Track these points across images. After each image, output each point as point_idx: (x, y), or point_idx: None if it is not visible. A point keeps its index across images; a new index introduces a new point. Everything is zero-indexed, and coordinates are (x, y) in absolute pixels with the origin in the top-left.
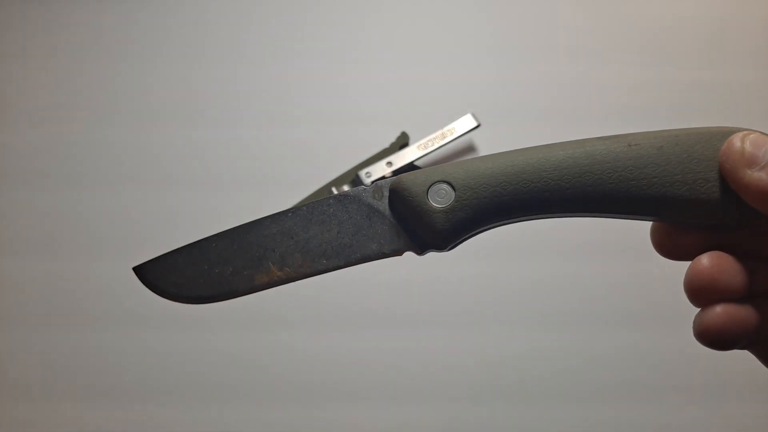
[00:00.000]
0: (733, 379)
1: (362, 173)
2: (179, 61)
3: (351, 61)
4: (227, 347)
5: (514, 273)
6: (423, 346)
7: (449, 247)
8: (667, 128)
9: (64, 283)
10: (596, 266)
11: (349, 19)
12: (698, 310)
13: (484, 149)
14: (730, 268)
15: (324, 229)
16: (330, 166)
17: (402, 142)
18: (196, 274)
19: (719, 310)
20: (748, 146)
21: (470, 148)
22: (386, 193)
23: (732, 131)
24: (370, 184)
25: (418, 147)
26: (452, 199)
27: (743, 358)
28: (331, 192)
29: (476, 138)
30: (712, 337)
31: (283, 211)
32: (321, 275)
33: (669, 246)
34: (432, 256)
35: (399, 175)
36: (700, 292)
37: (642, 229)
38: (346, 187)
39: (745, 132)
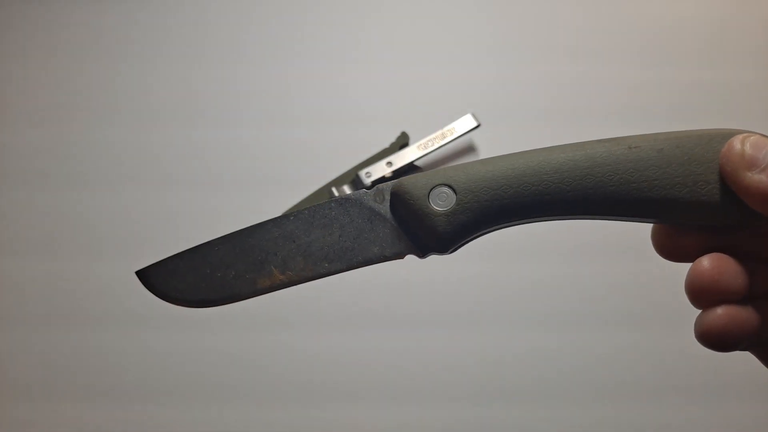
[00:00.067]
0: (733, 379)
1: (362, 173)
2: (179, 61)
3: (351, 61)
4: (227, 347)
5: (514, 273)
6: (423, 346)
7: (451, 250)
8: (667, 129)
9: (64, 283)
10: (596, 266)
11: (349, 19)
12: (699, 311)
13: (484, 149)
14: (730, 269)
15: (326, 233)
16: (330, 166)
17: (402, 142)
18: (198, 277)
19: (720, 312)
20: (748, 148)
21: (470, 148)
22: (388, 197)
23: (732, 133)
24: (370, 184)
25: (418, 147)
26: (453, 202)
27: (743, 359)
28: (331, 192)
29: (476, 138)
30: (714, 339)
31: (285, 215)
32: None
33: (670, 247)
34: (432, 256)
35: (400, 179)
36: (701, 294)
37: (642, 230)
38: (346, 187)
39: (746, 134)
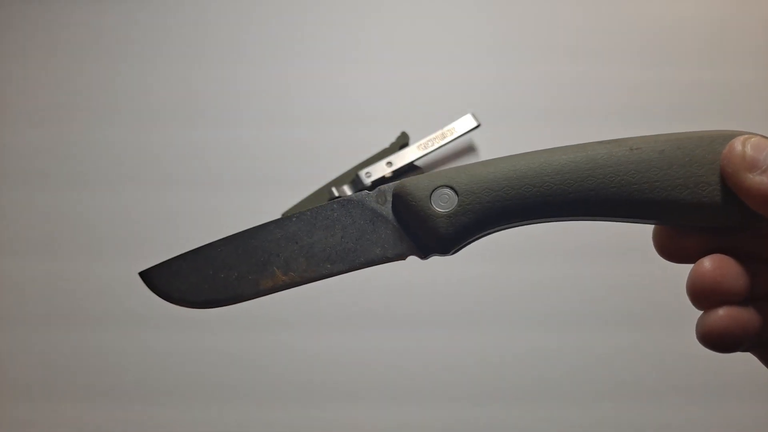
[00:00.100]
0: (733, 380)
1: (362, 173)
2: (179, 61)
3: (351, 61)
4: (227, 347)
5: (514, 274)
6: (423, 346)
7: (452, 252)
8: (667, 128)
9: (64, 283)
10: (596, 267)
11: (349, 19)
12: (700, 312)
13: (484, 149)
14: (732, 270)
15: (328, 234)
16: (330, 166)
17: (402, 142)
18: (201, 279)
19: (722, 313)
20: (749, 150)
21: (470, 148)
22: (389, 198)
23: (733, 135)
24: (370, 184)
25: (418, 147)
26: (455, 203)
27: (743, 359)
28: (331, 192)
29: (476, 138)
30: (716, 340)
31: (288, 216)
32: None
33: (671, 249)
34: (434, 257)
35: (402, 180)
36: (702, 295)
37: (642, 230)
38: (346, 187)
39: (747, 136)
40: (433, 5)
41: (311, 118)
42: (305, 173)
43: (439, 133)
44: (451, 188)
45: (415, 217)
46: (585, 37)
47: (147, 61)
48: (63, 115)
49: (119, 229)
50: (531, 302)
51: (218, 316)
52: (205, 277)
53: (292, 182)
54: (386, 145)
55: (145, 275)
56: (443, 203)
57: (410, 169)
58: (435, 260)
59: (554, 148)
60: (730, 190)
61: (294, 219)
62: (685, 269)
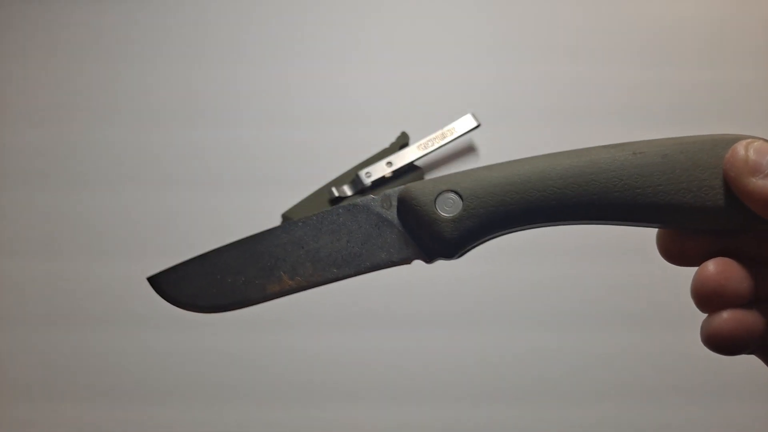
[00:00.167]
0: (733, 379)
1: (362, 173)
2: (179, 61)
3: (351, 61)
4: (227, 347)
5: (515, 273)
6: (423, 346)
7: (457, 255)
8: (667, 129)
9: (64, 283)
10: (596, 267)
11: (349, 19)
12: (702, 313)
13: (484, 149)
14: (736, 274)
15: (334, 239)
16: (330, 166)
17: (402, 142)
18: (209, 283)
19: (726, 316)
20: (752, 154)
21: (470, 148)
22: (395, 203)
23: (736, 138)
24: (370, 184)
25: (418, 147)
26: (460, 208)
27: (743, 359)
28: (331, 192)
29: (476, 138)
30: (720, 343)
31: (294, 221)
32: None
33: (675, 252)
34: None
35: (407, 185)
36: (707, 299)
37: (641, 231)
38: (346, 187)
39: (749, 140)
40: (433, 5)
41: (311, 118)
42: (305, 173)
43: (439, 133)
44: (456, 193)
45: (420, 222)
46: (585, 37)
47: (147, 61)
48: (63, 115)
49: (119, 229)
50: (531, 302)
51: (218, 316)
52: (212, 282)
53: (292, 182)
54: (386, 145)
55: (153, 280)
56: (448, 207)
57: (410, 169)
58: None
59: (558, 153)
60: (733, 193)
61: (300, 224)
62: (685, 269)
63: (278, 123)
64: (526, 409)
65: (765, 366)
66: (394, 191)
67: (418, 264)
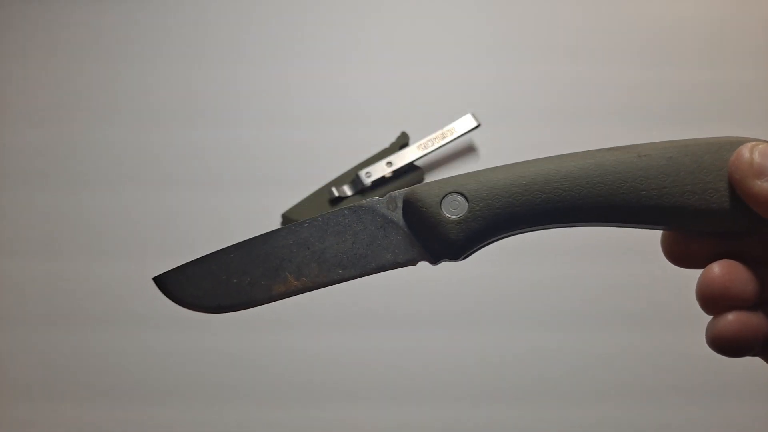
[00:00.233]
0: (733, 379)
1: (362, 173)
2: (179, 61)
3: (351, 61)
4: (227, 347)
5: (515, 273)
6: (423, 346)
7: (463, 257)
8: (667, 129)
9: (64, 283)
10: (596, 267)
11: (349, 19)
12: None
13: (484, 149)
14: (741, 276)
15: (339, 240)
16: (330, 166)
17: (402, 142)
18: (214, 284)
19: (731, 318)
20: (756, 157)
21: (470, 148)
22: (400, 204)
23: (741, 141)
24: (370, 184)
25: (418, 147)
26: (465, 209)
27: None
28: (331, 192)
29: (476, 138)
30: (726, 345)
31: (299, 222)
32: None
33: (679, 254)
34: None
35: (413, 187)
36: (712, 301)
37: (641, 230)
38: (346, 187)
39: (754, 143)
40: (433, 5)
41: (311, 118)
42: (305, 173)
43: (439, 133)
44: (462, 194)
45: (425, 223)
46: (585, 37)
47: (147, 61)
48: (63, 115)
49: (119, 229)
50: (531, 302)
51: (218, 316)
52: (218, 283)
53: (292, 182)
54: (386, 145)
55: (159, 280)
56: (453, 209)
57: (410, 169)
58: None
59: (563, 155)
60: (738, 196)
61: (306, 225)
62: (685, 270)
63: (278, 123)
64: (526, 409)
65: (765, 366)
66: (399, 193)
67: (418, 264)
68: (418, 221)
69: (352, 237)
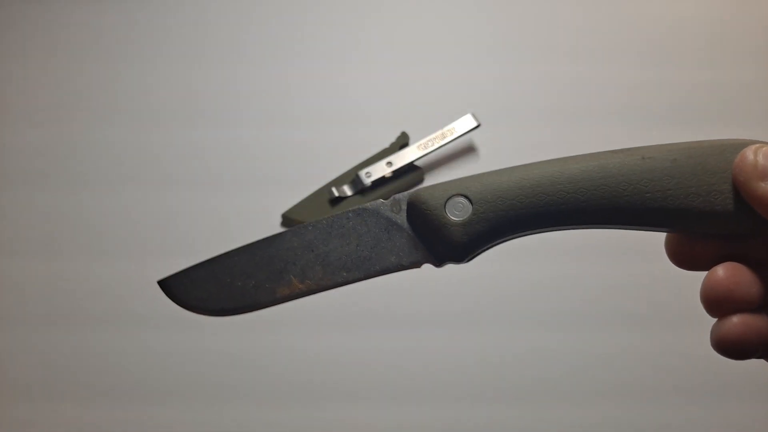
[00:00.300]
0: (733, 379)
1: (362, 173)
2: (179, 61)
3: (351, 61)
4: (227, 347)
5: (515, 273)
6: (423, 346)
7: (467, 260)
8: (667, 129)
9: (64, 283)
10: (597, 267)
11: (349, 19)
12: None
13: (484, 149)
14: (745, 278)
15: (343, 243)
16: (330, 166)
17: (402, 142)
18: (218, 287)
19: (736, 321)
20: (761, 159)
21: (470, 148)
22: (404, 207)
23: (745, 143)
24: (370, 184)
25: (418, 147)
26: (469, 212)
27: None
28: (331, 192)
29: (476, 138)
30: (730, 348)
31: (303, 225)
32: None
33: (683, 256)
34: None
35: (416, 189)
36: (716, 303)
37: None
38: (346, 187)
39: (758, 145)
40: (433, 5)
41: (311, 118)
42: (305, 173)
43: (439, 133)
44: (466, 197)
45: (429, 226)
46: (585, 37)
47: (147, 61)
48: (63, 115)
49: (119, 229)
50: (531, 302)
51: None
52: (222, 286)
53: (292, 182)
54: (386, 145)
55: (163, 284)
56: (458, 212)
57: (410, 169)
58: None
59: (567, 158)
60: (742, 198)
61: (310, 227)
62: (686, 271)
63: (278, 123)
64: (526, 409)
65: (765, 366)
66: (403, 195)
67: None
68: (422, 224)
69: (356, 240)
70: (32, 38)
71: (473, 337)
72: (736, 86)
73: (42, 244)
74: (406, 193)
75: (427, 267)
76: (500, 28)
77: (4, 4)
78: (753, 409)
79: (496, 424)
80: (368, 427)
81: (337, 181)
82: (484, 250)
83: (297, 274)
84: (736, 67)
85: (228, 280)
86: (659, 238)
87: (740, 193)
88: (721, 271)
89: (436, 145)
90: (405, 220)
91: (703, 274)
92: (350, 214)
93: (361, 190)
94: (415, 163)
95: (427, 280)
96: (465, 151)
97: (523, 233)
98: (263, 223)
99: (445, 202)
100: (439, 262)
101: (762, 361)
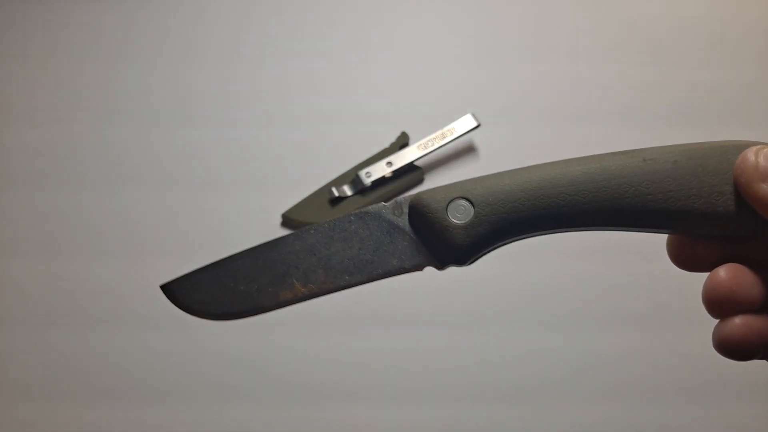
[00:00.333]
0: (733, 379)
1: (362, 173)
2: (179, 61)
3: (351, 61)
4: (227, 347)
5: (515, 273)
6: (423, 346)
7: (469, 262)
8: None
9: (64, 283)
10: (597, 267)
11: (349, 19)
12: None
13: (484, 149)
14: (747, 279)
15: (346, 246)
16: (330, 166)
17: (402, 142)
18: (221, 291)
19: (738, 322)
20: (762, 160)
21: (470, 148)
22: (406, 210)
23: (746, 145)
24: (370, 184)
25: (418, 147)
26: (471, 215)
27: None
28: (331, 192)
29: (476, 138)
30: (732, 348)
31: (305, 228)
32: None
33: (685, 258)
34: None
35: (418, 192)
36: (718, 305)
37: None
38: (346, 187)
39: (760, 146)
40: (433, 5)
41: (311, 118)
42: (305, 173)
43: (439, 133)
44: (467, 200)
45: (431, 229)
46: (585, 37)
47: (147, 61)
48: (63, 115)
49: (119, 229)
50: (531, 302)
51: None
52: (225, 290)
53: (292, 182)
54: (386, 145)
55: (166, 288)
56: (459, 215)
57: (410, 169)
58: None
59: (568, 160)
60: (744, 199)
61: (312, 231)
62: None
63: (278, 123)
64: (526, 409)
65: (765, 366)
66: (405, 198)
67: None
68: (424, 227)
69: (358, 243)
70: (32, 38)
71: (473, 337)
72: (736, 86)
73: (42, 244)
74: (407, 195)
75: (429, 269)
76: (500, 28)
77: (4, 4)
78: (753, 409)
79: (496, 424)
80: (368, 427)
81: (337, 181)
82: (486, 253)
83: (300, 277)
84: (736, 67)
85: (231, 284)
86: (659, 238)
87: (741, 194)
88: (722, 272)
89: (436, 145)
90: (407, 223)
91: (704, 274)
92: (352, 218)
93: (361, 190)
94: (415, 163)
95: (427, 280)
96: (465, 151)
97: (525, 236)
98: (263, 223)
99: (447, 205)
100: (441, 265)
101: (762, 361)
